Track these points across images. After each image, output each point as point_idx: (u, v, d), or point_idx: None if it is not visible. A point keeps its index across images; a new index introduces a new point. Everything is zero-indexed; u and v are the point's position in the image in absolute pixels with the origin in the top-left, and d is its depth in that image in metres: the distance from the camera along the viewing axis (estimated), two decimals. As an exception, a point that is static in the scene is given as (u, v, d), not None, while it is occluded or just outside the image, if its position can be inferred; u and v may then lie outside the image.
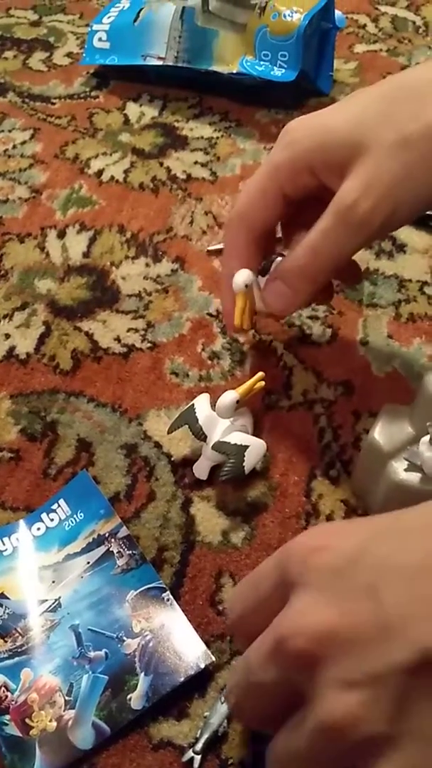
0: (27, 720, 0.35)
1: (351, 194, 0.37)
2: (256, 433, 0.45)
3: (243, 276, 0.42)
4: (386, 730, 0.23)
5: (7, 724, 0.35)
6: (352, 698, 0.23)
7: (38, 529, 0.42)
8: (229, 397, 0.42)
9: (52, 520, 0.42)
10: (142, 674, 0.36)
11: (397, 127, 0.36)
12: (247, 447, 0.41)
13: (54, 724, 0.35)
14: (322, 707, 0.24)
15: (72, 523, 0.42)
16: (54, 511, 0.42)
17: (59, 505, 0.43)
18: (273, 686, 0.26)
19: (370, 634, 0.23)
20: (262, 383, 0.44)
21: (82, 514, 0.42)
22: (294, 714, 0.26)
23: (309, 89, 0.70)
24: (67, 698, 0.35)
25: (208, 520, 0.42)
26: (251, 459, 0.41)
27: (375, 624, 0.23)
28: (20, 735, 0.34)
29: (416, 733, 0.23)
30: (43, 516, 0.42)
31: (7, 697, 0.35)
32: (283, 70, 0.65)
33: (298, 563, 0.26)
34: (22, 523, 0.42)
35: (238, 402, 0.42)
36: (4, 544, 0.41)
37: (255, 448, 0.42)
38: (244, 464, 0.41)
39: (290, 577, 0.26)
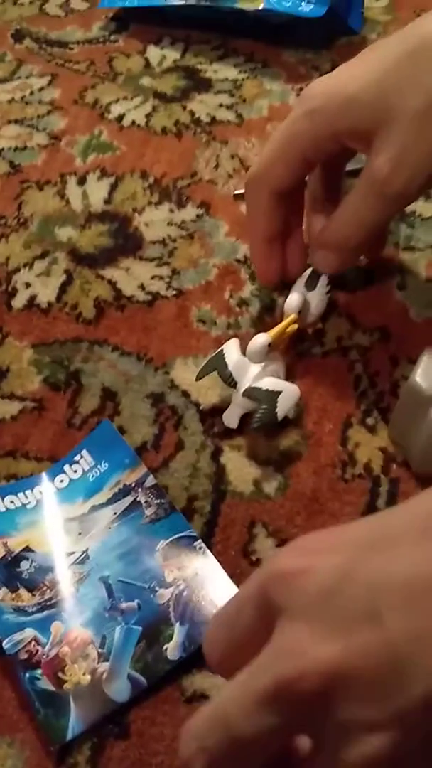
0: (60, 674, 0.34)
1: (383, 170, 0.36)
2: (289, 380, 0.43)
3: (296, 301, 0.42)
4: (422, 762, 0.22)
5: (39, 679, 0.34)
6: (380, 740, 0.21)
7: (61, 481, 0.40)
8: (261, 340, 0.40)
9: (75, 471, 0.41)
10: (178, 624, 0.34)
11: (423, 92, 0.35)
12: (279, 393, 0.39)
13: (88, 677, 0.34)
14: (349, 752, 0.21)
15: (96, 473, 0.40)
16: (77, 462, 0.41)
17: (82, 456, 0.41)
18: (267, 737, 0.23)
19: (381, 669, 0.21)
20: (295, 326, 0.42)
21: (106, 464, 0.40)
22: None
23: (338, 28, 0.67)
24: (100, 651, 0.34)
25: (239, 469, 0.40)
26: (284, 405, 0.39)
27: (385, 656, 0.21)
28: (53, 689, 0.33)
29: None
30: (66, 468, 0.41)
31: (38, 651, 0.34)
32: (312, 5, 0.62)
33: (282, 589, 0.23)
34: (44, 475, 0.40)
35: (270, 345, 0.40)
36: (27, 497, 0.40)
37: (288, 393, 0.40)
38: (276, 411, 0.39)
39: (274, 606, 0.24)
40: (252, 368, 0.41)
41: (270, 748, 0.23)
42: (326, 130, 0.38)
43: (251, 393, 0.40)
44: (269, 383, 0.40)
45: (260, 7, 0.63)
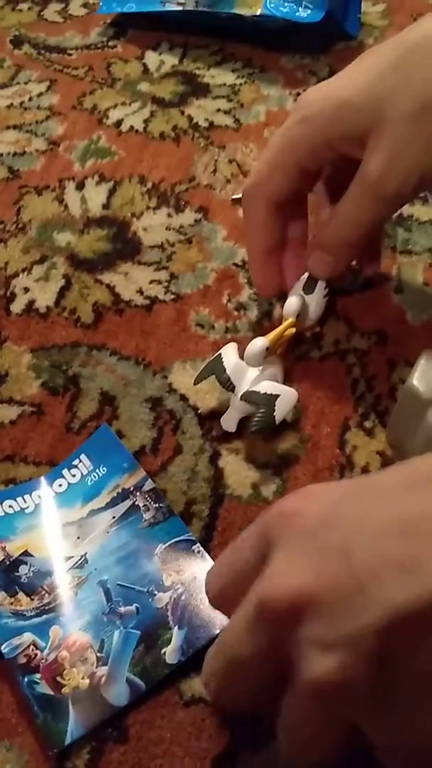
0: (58, 678, 0.34)
1: (376, 171, 0.37)
2: (287, 384, 0.43)
3: (295, 305, 0.42)
4: (368, 689, 0.23)
5: (38, 683, 0.34)
6: (331, 660, 0.23)
7: (60, 485, 0.40)
8: (258, 344, 0.40)
9: (74, 475, 0.41)
10: (176, 628, 0.34)
11: (415, 94, 0.35)
12: (277, 396, 0.40)
13: (87, 681, 0.34)
14: (305, 670, 0.24)
15: (95, 478, 0.40)
16: (75, 466, 0.41)
17: (80, 461, 0.41)
18: (257, 658, 0.26)
19: (343, 595, 0.23)
20: (293, 330, 0.42)
21: (104, 468, 0.41)
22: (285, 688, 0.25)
23: (336, 33, 0.67)
24: (98, 655, 0.34)
25: (238, 473, 0.40)
26: (282, 409, 0.39)
27: (347, 584, 0.23)
28: (52, 693, 0.33)
29: (398, 692, 0.23)
30: (65, 472, 0.41)
31: (36, 655, 0.34)
32: (309, 11, 0.62)
33: (276, 527, 0.26)
34: (42, 480, 0.40)
35: (267, 349, 0.40)
36: (25, 501, 0.40)
37: (286, 397, 0.40)
38: (274, 414, 0.39)
39: (270, 541, 0.26)
40: (250, 372, 0.41)
41: (266, 669, 0.26)
42: (321, 135, 0.38)
43: (249, 397, 0.40)
44: (267, 387, 0.40)
45: (258, 13, 0.64)
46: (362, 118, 0.37)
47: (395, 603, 0.22)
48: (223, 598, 0.28)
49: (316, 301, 0.43)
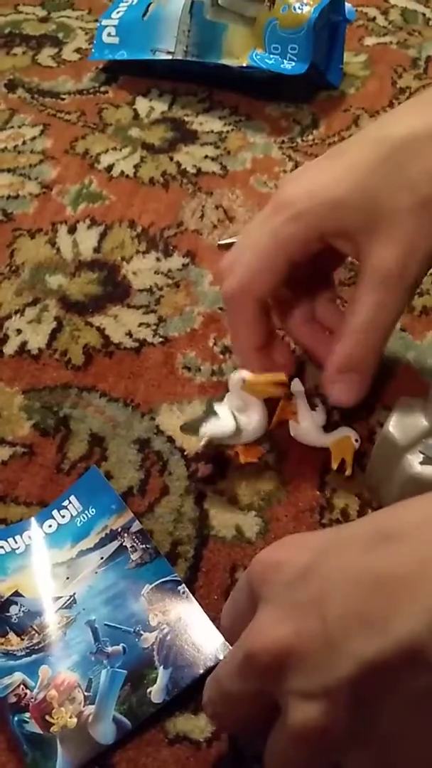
0: (47, 717, 0.35)
1: (395, 264, 0.37)
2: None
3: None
4: (348, 735, 0.25)
5: (27, 722, 0.35)
6: (311, 709, 0.25)
7: (50, 526, 0.42)
8: (237, 375, 0.41)
9: (63, 516, 0.42)
10: (161, 667, 0.36)
11: (413, 187, 0.37)
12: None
13: (74, 720, 0.35)
14: (289, 717, 0.25)
15: (84, 519, 0.42)
16: (65, 507, 0.42)
17: (70, 502, 0.42)
18: (244, 696, 0.28)
19: (319, 649, 0.25)
20: (283, 377, 0.42)
21: (93, 509, 0.42)
22: (275, 721, 0.27)
23: (319, 82, 0.70)
24: (86, 694, 0.35)
25: (222, 514, 0.42)
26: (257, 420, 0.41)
27: (322, 639, 0.25)
28: (41, 732, 0.34)
29: (374, 735, 0.25)
30: (54, 513, 0.42)
31: (26, 694, 0.35)
32: (293, 63, 0.65)
33: (260, 578, 0.28)
34: (33, 520, 0.42)
35: (244, 382, 0.41)
36: (16, 542, 0.41)
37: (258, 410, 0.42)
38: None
39: (255, 592, 0.28)
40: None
41: (256, 705, 0.28)
42: (315, 231, 0.39)
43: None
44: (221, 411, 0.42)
45: (244, 64, 0.66)
46: (357, 217, 0.38)
47: (364, 657, 0.24)
48: (232, 635, 0.30)
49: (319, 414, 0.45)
